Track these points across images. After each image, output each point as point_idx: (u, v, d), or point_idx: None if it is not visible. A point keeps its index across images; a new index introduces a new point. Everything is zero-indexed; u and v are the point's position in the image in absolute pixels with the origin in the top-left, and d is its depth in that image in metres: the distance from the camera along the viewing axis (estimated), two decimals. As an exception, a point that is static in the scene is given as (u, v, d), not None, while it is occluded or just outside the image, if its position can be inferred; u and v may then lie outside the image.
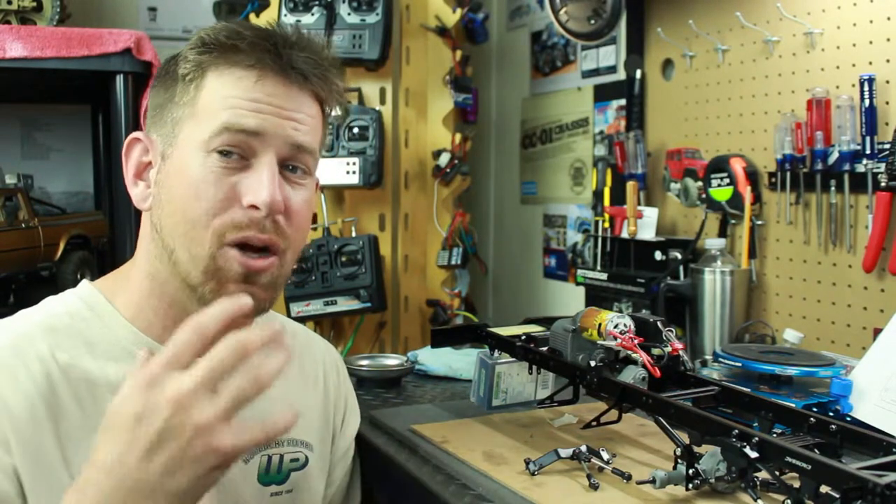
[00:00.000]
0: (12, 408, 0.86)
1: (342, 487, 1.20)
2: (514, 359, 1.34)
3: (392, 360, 1.74)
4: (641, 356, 1.12)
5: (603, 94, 2.27)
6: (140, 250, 0.98)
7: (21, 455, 0.85)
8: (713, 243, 1.73)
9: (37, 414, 0.87)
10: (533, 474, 1.07)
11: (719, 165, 1.80)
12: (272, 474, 1.04)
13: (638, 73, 2.06)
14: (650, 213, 1.93)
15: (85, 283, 1.00)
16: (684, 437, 0.99)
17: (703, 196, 1.85)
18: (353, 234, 1.97)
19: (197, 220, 0.90)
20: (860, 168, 1.52)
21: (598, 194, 2.17)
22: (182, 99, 0.92)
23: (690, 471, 0.96)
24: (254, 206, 0.90)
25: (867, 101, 1.48)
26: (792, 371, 1.32)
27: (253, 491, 1.02)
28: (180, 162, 0.91)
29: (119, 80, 1.71)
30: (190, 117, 0.92)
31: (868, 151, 1.50)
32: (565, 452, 1.09)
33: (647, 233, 1.92)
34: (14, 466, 0.85)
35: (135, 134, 0.98)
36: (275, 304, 1.00)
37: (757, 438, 0.90)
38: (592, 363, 1.15)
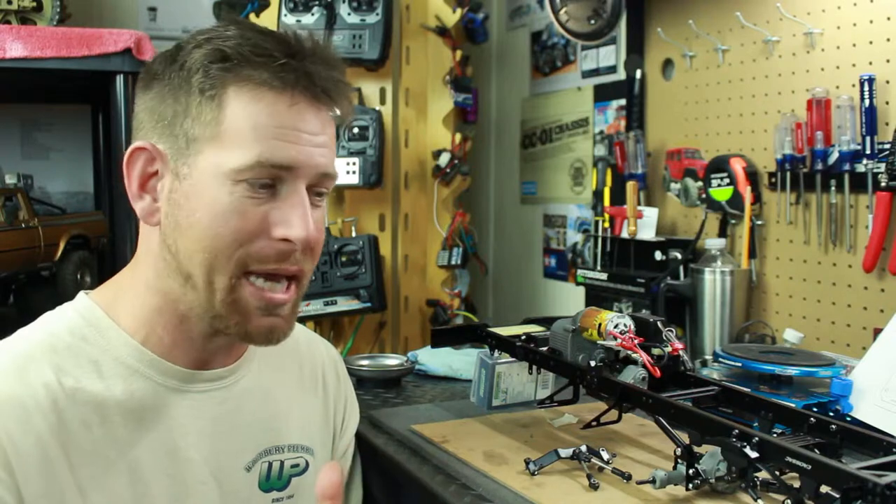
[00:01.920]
0: (23, 450, 0.83)
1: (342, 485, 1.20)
2: (514, 359, 1.34)
3: (392, 360, 1.74)
4: (641, 356, 1.12)
5: (603, 94, 2.27)
6: (145, 264, 0.94)
7: (33, 495, 0.84)
8: (713, 243, 1.73)
9: (48, 449, 0.85)
10: (533, 474, 1.07)
11: (719, 165, 1.80)
12: (273, 481, 1.04)
13: (638, 73, 2.06)
14: (650, 213, 1.93)
15: (82, 297, 0.97)
16: (684, 437, 0.99)
17: (703, 196, 1.85)
18: (353, 234, 1.97)
19: (222, 251, 0.87)
20: (860, 168, 1.52)
21: (598, 194, 2.17)
22: (201, 116, 0.87)
23: (690, 471, 0.96)
24: (286, 240, 0.88)
25: (867, 101, 1.48)
26: (792, 371, 1.32)
27: (255, 499, 1.02)
28: (203, 187, 0.87)
29: (119, 80, 1.71)
30: (212, 139, 0.87)
31: (868, 151, 1.50)
32: (565, 452, 1.09)
33: (647, 233, 1.92)
34: None
35: (138, 143, 0.92)
36: None
37: (757, 438, 0.90)
38: (592, 363, 1.15)
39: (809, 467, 0.83)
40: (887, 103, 1.49)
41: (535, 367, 1.31)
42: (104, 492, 0.88)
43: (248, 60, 0.87)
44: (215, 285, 0.88)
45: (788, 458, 0.86)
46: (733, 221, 1.81)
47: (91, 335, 0.93)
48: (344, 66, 0.94)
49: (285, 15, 1.98)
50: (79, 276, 1.99)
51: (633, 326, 1.15)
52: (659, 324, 1.15)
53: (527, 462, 1.08)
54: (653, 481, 0.98)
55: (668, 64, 2.02)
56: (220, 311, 0.90)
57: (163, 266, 0.92)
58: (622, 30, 2.09)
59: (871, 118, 1.49)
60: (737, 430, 0.92)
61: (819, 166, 1.58)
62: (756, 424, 1.05)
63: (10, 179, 2.04)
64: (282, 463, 1.05)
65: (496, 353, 1.38)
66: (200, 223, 0.87)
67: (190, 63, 0.88)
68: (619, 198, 1.99)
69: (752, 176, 1.75)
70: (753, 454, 0.90)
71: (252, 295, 0.90)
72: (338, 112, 0.94)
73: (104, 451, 0.89)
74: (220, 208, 0.87)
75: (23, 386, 0.86)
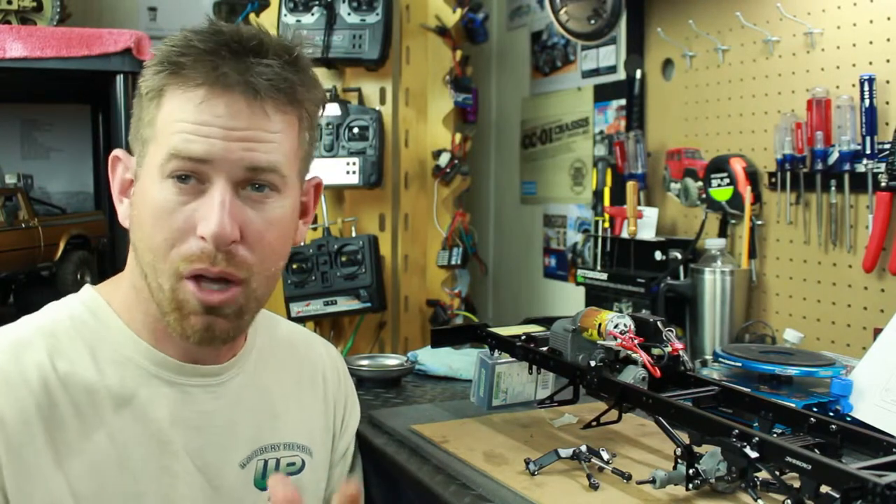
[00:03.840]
0: (6, 420, 0.85)
1: (341, 486, 1.20)
2: (514, 359, 1.34)
3: (392, 360, 1.74)
4: (641, 356, 1.12)
5: (603, 94, 2.27)
6: (128, 261, 0.98)
7: (11, 468, 0.85)
8: (713, 243, 1.73)
9: (31, 425, 0.86)
10: (533, 474, 1.07)
11: (719, 165, 1.80)
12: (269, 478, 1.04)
13: (638, 73, 2.06)
14: (650, 213, 1.93)
15: (87, 288, 0.99)
16: (684, 437, 0.99)
17: (703, 196, 1.85)
18: (353, 234, 1.97)
19: (157, 250, 0.88)
20: (860, 168, 1.52)
21: (598, 194, 2.17)
22: (146, 118, 0.91)
23: (690, 471, 0.96)
24: (204, 238, 0.87)
25: (867, 101, 1.48)
26: (792, 371, 1.32)
27: (250, 496, 1.02)
28: (145, 187, 0.90)
29: (119, 80, 1.71)
30: (151, 140, 0.90)
31: (868, 151, 1.50)
32: (565, 452, 1.09)
33: (647, 233, 1.92)
34: (2, 482, 0.85)
35: (115, 152, 0.97)
36: (249, 324, 0.98)
37: (757, 438, 0.90)
38: (592, 363, 1.15)
39: (809, 467, 0.83)
40: (887, 103, 1.49)
41: (535, 367, 1.31)
42: (91, 475, 0.89)
43: (175, 61, 0.88)
44: (162, 286, 0.90)
45: (788, 458, 0.86)
46: (733, 221, 1.81)
47: (91, 322, 0.95)
48: (296, 59, 0.92)
49: (285, 15, 1.98)
50: (79, 276, 1.99)
51: (633, 326, 1.15)
52: (659, 324, 1.15)
53: (527, 462, 1.08)
54: (653, 481, 0.98)
55: (668, 64, 2.02)
56: (166, 309, 0.91)
57: (134, 264, 0.95)
58: (622, 30, 2.09)
59: (871, 118, 1.48)
60: (737, 430, 0.92)
61: (819, 166, 1.58)
62: (756, 424, 1.05)
63: (10, 179, 2.03)
64: (277, 461, 1.05)
65: (496, 353, 1.38)
66: (144, 223, 0.90)
67: (144, 71, 0.93)
68: (619, 198, 1.99)
69: (752, 176, 1.75)
70: (753, 454, 0.90)
71: (190, 293, 0.89)
72: (278, 105, 0.90)
73: (92, 434, 0.90)
74: (154, 207, 0.88)
75: (15, 364, 0.88)
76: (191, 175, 0.87)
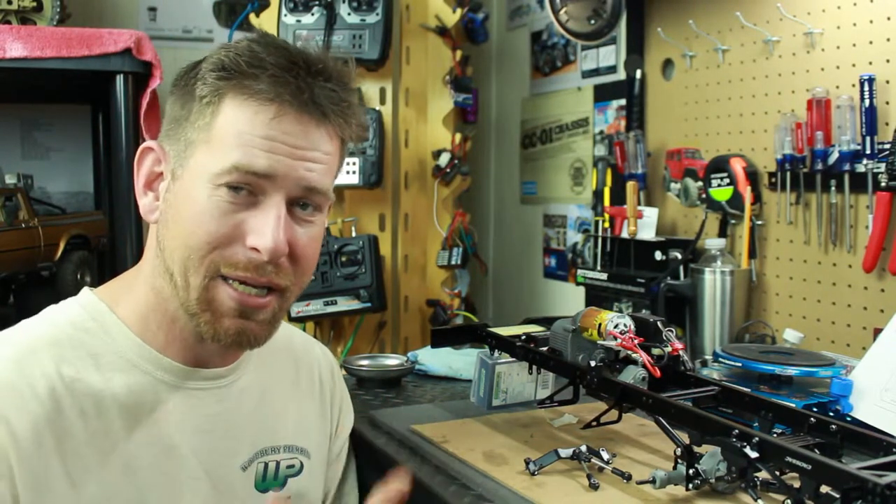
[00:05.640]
0: (18, 433, 0.84)
1: (334, 487, 1.20)
2: (514, 359, 1.34)
3: (392, 360, 1.74)
4: (641, 356, 1.12)
5: (603, 94, 2.27)
6: (146, 261, 0.97)
7: (24, 482, 0.84)
8: (713, 243, 1.73)
9: (42, 436, 0.86)
10: (533, 474, 1.07)
11: (719, 165, 1.80)
12: (269, 481, 1.04)
13: (638, 73, 2.06)
14: (650, 213, 1.93)
15: (86, 291, 0.98)
16: (684, 437, 0.99)
17: (703, 196, 1.85)
18: (353, 234, 1.97)
19: (196, 250, 0.88)
20: (860, 168, 1.52)
21: (598, 194, 2.18)
22: (197, 121, 0.90)
23: (690, 471, 0.96)
24: (255, 249, 0.88)
25: (867, 101, 1.48)
26: (792, 371, 1.32)
27: (252, 499, 1.02)
28: (189, 188, 0.90)
29: (119, 80, 1.71)
30: (203, 143, 0.89)
31: (868, 151, 1.50)
32: (565, 452, 1.09)
33: (647, 233, 1.92)
34: (16, 496, 0.84)
35: (148, 143, 0.96)
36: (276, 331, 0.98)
37: (757, 438, 0.90)
38: (592, 363, 1.15)
39: (809, 467, 0.83)
40: (887, 103, 1.49)
41: (535, 367, 1.31)
42: (98, 483, 0.89)
43: (242, 71, 0.89)
44: (190, 284, 0.90)
45: (788, 458, 0.86)
46: (733, 221, 1.81)
47: (93, 328, 0.94)
48: (351, 88, 0.94)
49: (285, 15, 1.98)
50: (79, 276, 1.99)
51: (633, 326, 1.15)
52: (659, 324, 1.15)
53: (527, 462, 1.08)
54: (653, 481, 0.98)
55: (668, 64, 2.02)
56: (195, 309, 0.91)
57: (157, 263, 0.94)
58: (622, 30, 2.09)
59: (871, 118, 1.48)
60: (737, 430, 0.92)
61: (819, 166, 1.58)
62: (756, 424, 1.05)
63: (10, 179, 2.03)
64: (277, 463, 1.05)
65: (496, 353, 1.38)
66: (182, 222, 0.90)
67: (197, 72, 0.92)
68: (619, 198, 1.99)
69: (752, 176, 1.75)
70: (753, 454, 0.90)
71: (227, 295, 0.90)
72: (336, 130, 0.93)
73: (99, 442, 0.89)
74: (198, 209, 0.88)
75: (22, 374, 0.87)
76: (244, 187, 0.88)
